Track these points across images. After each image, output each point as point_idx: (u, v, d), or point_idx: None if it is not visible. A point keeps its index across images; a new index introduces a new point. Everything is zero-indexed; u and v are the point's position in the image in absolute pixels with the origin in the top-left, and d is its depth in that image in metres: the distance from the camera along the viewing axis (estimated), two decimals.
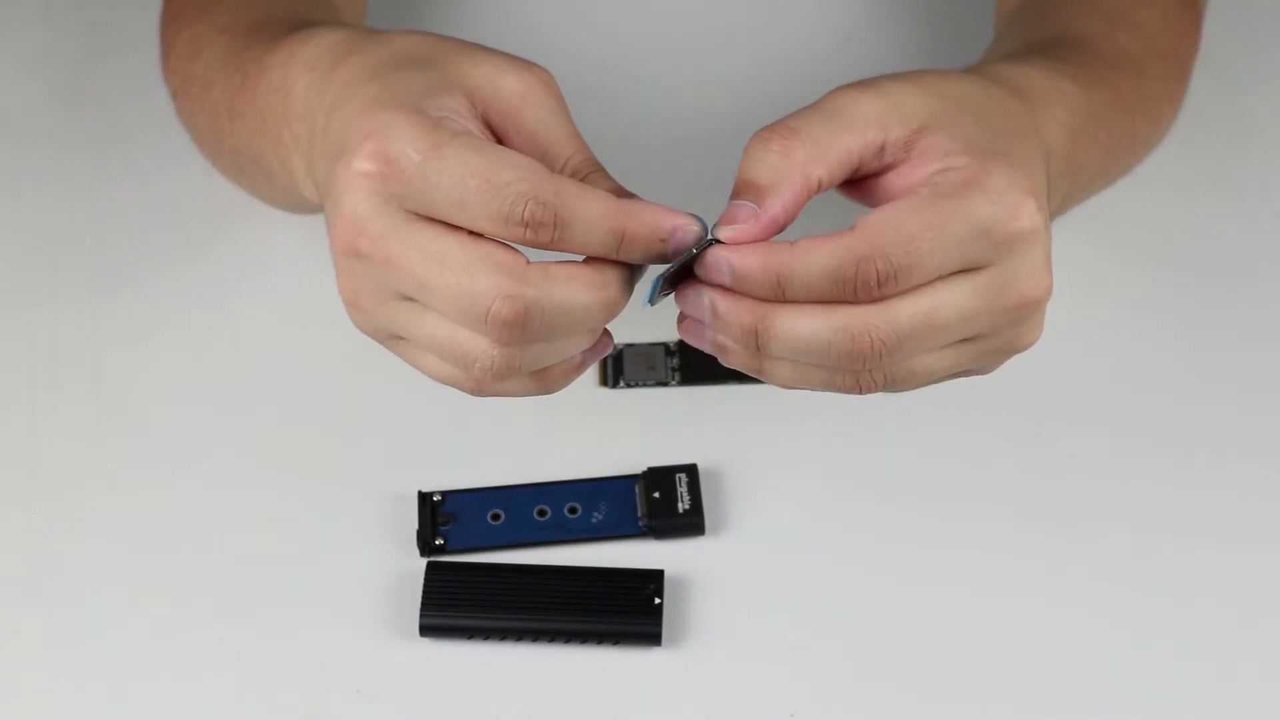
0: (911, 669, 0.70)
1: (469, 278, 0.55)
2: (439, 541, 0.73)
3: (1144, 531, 0.74)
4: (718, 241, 0.56)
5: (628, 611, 0.70)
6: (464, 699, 0.70)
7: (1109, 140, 0.74)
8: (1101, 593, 0.72)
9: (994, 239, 0.55)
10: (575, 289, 0.56)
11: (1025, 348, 0.59)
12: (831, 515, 0.75)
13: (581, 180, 0.58)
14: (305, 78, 0.63)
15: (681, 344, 0.79)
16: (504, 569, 0.72)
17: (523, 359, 0.57)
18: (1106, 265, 0.83)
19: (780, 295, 0.55)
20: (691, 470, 0.75)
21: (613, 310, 0.57)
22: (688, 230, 0.56)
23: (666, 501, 0.74)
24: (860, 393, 0.57)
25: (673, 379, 0.79)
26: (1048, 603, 0.72)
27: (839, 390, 0.57)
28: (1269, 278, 0.83)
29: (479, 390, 0.58)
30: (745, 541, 0.74)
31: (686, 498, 0.74)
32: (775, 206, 0.56)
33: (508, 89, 0.58)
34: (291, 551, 0.74)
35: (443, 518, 0.74)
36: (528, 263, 0.55)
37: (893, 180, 0.58)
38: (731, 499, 0.75)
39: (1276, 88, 0.91)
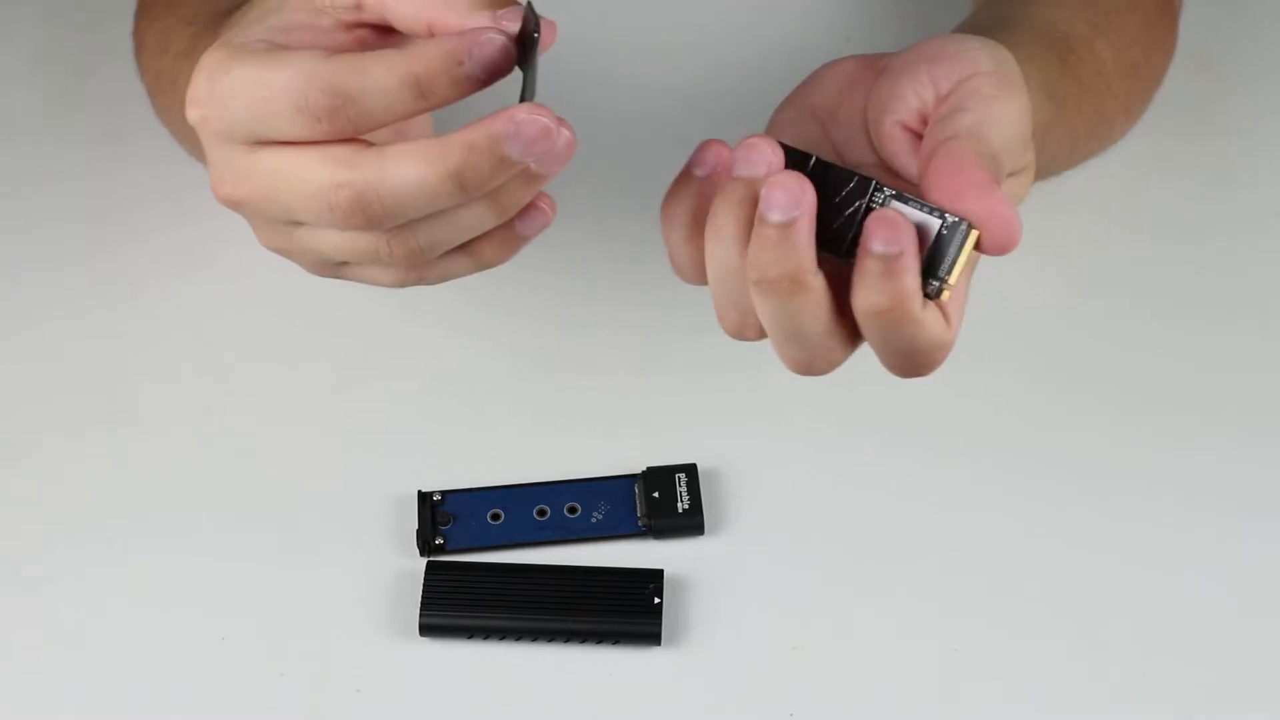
0: (911, 669, 0.70)
1: (308, 182, 0.52)
2: (439, 541, 0.73)
3: (1151, 525, 0.74)
4: None
5: (627, 611, 0.70)
6: (464, 699, 0.70)
7: (1039, 159, 0.72)
8: (1107, 593, 0.72)
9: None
10: (406, 164, 0.51)
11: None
12: (831, 515, 0.75)
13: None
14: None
15: None
16: (504, 569, 0.72)
17: (420, 242, 0.53)
18: (1106, 264, 0.83)
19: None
20: (691, 470, 0.75)
21: (464, 180, 0.51)
22: (489, 41, 0.50)
23: (666, 501, 0.74)
24: None
25: None
26: (1050, 603, 0.72)
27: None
28: (1269, 277, 0.83)
29: (414, 279, 0.55)
30: (745, 541, 0.74)
31: (686, 497, 0.74)
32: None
33: None
34: (291, 551, 0.74)
35: (442, 517, 0.74)
36: (367, 147, 0.52)
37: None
38: (731, 499, 0.75)
39: (1276, 87, 0.91)
